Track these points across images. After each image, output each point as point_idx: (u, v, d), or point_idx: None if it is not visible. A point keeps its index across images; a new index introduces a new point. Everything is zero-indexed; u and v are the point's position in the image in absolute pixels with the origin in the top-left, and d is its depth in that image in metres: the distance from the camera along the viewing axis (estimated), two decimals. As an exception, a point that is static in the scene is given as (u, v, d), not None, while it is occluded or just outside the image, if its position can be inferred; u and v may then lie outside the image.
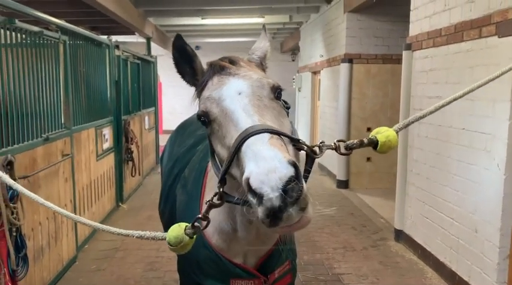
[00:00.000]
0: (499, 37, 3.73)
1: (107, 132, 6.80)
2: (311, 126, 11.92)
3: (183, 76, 1.81)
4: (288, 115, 1.72)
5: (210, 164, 2.13)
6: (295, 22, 12.74)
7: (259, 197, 1.25)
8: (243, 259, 2.03)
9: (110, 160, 6.95)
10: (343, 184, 8.67)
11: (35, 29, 4.13)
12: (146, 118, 10.04)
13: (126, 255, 5.35)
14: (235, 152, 1.41)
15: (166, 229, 2.73)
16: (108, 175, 6.82)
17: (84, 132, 5.64)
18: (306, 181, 1.64)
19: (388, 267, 5.03)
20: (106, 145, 6.73)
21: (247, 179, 1.29)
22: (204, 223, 1.51)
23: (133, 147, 7.93)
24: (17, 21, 3.73)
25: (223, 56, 1.80)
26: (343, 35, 8.53)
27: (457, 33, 4.39)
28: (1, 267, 3.39)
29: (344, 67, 8.41)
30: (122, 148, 7.55)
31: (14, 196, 3.43)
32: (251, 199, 1.30)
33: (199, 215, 1.51)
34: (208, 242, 2.01)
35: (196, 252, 2.01)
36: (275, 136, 1.39)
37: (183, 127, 3.40)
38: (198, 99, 1.76)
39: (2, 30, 3.57)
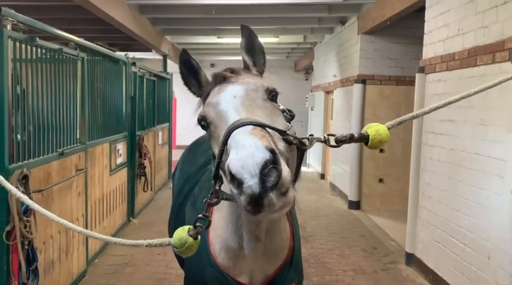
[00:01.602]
0: (512, 63, 3.73)
1: (121, 147, 6.89)
2: (323, 145, 11.88)
3: (189, 88, 1.94)
4: (286, 117, 1.77)
5: None
6: (309, 42, 12.86)
7: (239, 184, 1.30)
8: (249, 278, 2.03)
9: (122, 174, 7.02)
10: (355, 205, 8.61)
11: (55, 46, 4.26)
12: (160, 133, 10.15)
13: (135, 270, 5.37)
14: (224, 146, 1.47)
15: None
16: (120, 190, 6.89)
17: (98, 146, 5.73)
18: (298, 175, 1.69)
19: (399, 291, 4.96)
20: (119, 160, 6.81)
21: (228, 167, 1.34)
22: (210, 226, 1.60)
23: (146, 162, 8.00)
24: (37, 38, 3.85)
25: (227, 67, 1.89)
26: (357, 56, 8.58)
27: (471, 57, 4.40)
28: (12, 280, 3.44)
29: (357, 87, 8.44)
30: (135, 163, 7.64)
31: (27, 210, 3.49)
32: (233, 189, 1.34)
33: (200, 215, 1.58)
34: (214, 261, 2.02)
35: (202, 271, 2.02)
36: (259, 128, 1.44)
37: (196, 145, 3.44)
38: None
39: (24, 47, 3.69)
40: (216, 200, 1.57)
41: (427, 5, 5.48)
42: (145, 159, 7.93)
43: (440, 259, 4.92)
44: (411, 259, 5.62)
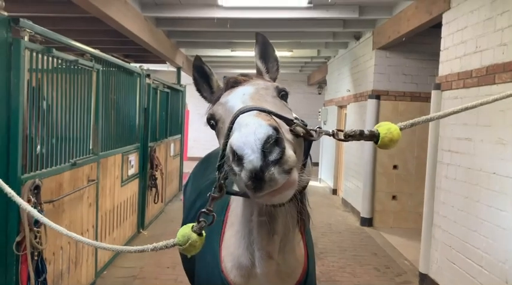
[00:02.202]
0: (532, 81, 3.66)
1: (133, 158, 6.90)
2: (335, 160, 11.81)
3: (201, 93, 1.96)
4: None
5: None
6: (323, 56, 12.85)
7: (240, 160, 1.25)
8: None
9: (134, 186, 7.02)
10: (367, 222, 8.47)
11: (71, 57, 4.29)
12: (172, 145, 10.16)
13: (144, 283, 5.32)
14: (229, 132, 1.42)
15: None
16: (131, 201, 6.87)
17: (111, 157, 5.73)
18: (305, 166, 1.61)
19: (412, 313, 4.83)
20: (131, 171, 6.81)
21: (230, 145, 1.29)
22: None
23: (157, 174, 8.00)
24: (54, 49, 3.88)
25: (240, 73, 1.89)
26: (371, 71, 8.53)
27: (489, 75, 4.32)
28: (20, 291, 3.41)
29: (371, 103, 8.37)
30: (147, 174, 7.63)
31: (38, 221, 3.47)
32: (235, 168, 1.29)
33: (203, 209, 1.52)
34: (226, 278, 1.97)
35: None
36: (263, 113, 1.39)
37: (208, 159, 3.41)
38: None
39: (40, 57, 3.72)
40: (219, 194, 1.51)
41: (443, 22, 5.43)
42: (156, 171, 7.92)
43: (455, 281, 4.78)
44: (425, 280, 5.48)
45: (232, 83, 1.77)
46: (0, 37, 3.23)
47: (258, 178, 1.25)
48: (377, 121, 8.33)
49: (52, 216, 3.92)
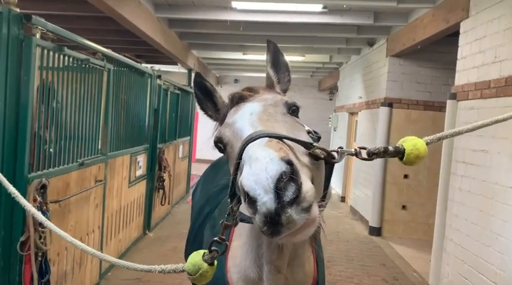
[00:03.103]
0: (554, 94, 3.54)
1: (141, 159, 6.85)
2: (344, 167, 11.69)
3: (206, 112, 1.86)
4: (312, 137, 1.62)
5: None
6: (335, 62, 12.75)
7: (253, 202, 1.15)
8: None
9: (141, 187, 6.97)
10: (376, 231, 8.34)
11: (82, 56, 4.25)
12: (181, 147, 10.12)
13: (148, 287, 5.25)
14: (238, 162, 1.34)
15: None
16: (138, 202, 6.82)
17: (119, 158, 5.69)
18: (326, 193, 1.52)
19: (421, 328, 4.71)
20: (139, 172, 6.76)
21: (241, 184, 1.20)
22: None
23: (165, 176, 7.94)
24: (65, 48, 3.84)
25: (246, 87, 1.78)
26: (384, 79, 8.42)
27: (508, 86, 4.21)
28: (23, 292, 3.36)
29: (383, 111, 8.25)
30: (155, 175, 7.58)
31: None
32: (248, 209, 1.19)
33: (216, 238, 1.44)
34: None
35: None
36: (275, 140, 1.30)
37: (218, 164, 3.34)
38: None
39: (51, 55, 3.68)
40: (233, 221, 1.44)
41: (461, 30, 5.32)
42: (164, 172, 7.87)
43: (467, 296, 4.66)
44: (435, 293, 5.36)
45: (238, 99, 1.67)
46: (11, 34, 3.19)
47: (274, 223, 1.14)
48: (389, 129, 8.22)
49: (58, 216, 3.87)
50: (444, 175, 5.37)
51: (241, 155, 1.32)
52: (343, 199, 11.71)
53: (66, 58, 3.96)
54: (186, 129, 10.85)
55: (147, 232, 7.41)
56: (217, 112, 1.81)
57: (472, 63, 4.99)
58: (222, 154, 3.11)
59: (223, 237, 1.44)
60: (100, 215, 5.05)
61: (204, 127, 18.13)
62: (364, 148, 1.52)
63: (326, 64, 13.20)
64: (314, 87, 18.16)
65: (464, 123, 5.06)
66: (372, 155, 1.50)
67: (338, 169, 12.20)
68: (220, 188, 2.70)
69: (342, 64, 12.69)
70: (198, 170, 12.09)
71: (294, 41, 9.58)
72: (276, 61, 1.84)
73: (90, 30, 8.64)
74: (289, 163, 1.17)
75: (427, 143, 1.52)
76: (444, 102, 5.47)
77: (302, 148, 1.39)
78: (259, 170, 1.16)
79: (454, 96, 5.29)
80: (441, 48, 7.74)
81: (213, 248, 1.45)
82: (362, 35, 8.62)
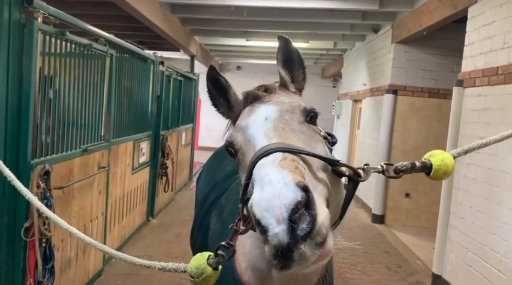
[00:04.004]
0: None
1: (145, 146, 6.83)
2: (348, 155, 11.66)
3: (218, 109, 1.73)
4: (327, 145, 1.54)
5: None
6: (339, 49, 12.62)
7: (264, 231, 1.06)
8: None
9: (144, 174, 6.95)
10: (379, 219, 8.33)
11: (85, 41, 4.19)
12: (183, 134, 10.09)
13: (152, 274, 5.25)
14: (249, 178, 1.25)
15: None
16: (141, 189, 6.82)
17: (122, 145, 5.66)
18: (344, 214, 1.44)
19: (424, 315, 4.72)
20: (142, 159, 6.74)
21: (251, 208, 1.11)
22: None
23: (168, 163, 7.93)
24: (67, 33, 3.78)
25: (260, 84, 1.68)
26: (389, 66, 8.33)
27: (517, 72, 4.14)
28: (27, 278, 3.36)
29: (388, 98, 8.18)
30: (158, 162, 7.57)
31: (47, 207, 3.41)
32: (258, 235, 1.10)
33: (223, 243, 1.36)
34: (240, 279, 1.87)
35: None
36: (290, 157, 1.21)
37: (223, 151, 3.29)
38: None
39: (53, 41, 3.63)
40: (244, 228, 1.35)
41: (469, 16, 5.23)
42: (167, 159, 7.86)
43: (470, 284, 4.65)
44: (438, 281, 5.35)
45: (252, 99, 1.57)
46: (13, 18, 3.13)
47: (285, 257, 1.06)
48: (393, 117, 8.17)
49: (62, 203, 3.86)
50: (449, 163, 5.32)
51: (252, 169, 1.23)
52: (345, 186, 11.68)
53: (68, 43, 3.91)
54: (188, 116, 10.80)
55: (150, 218, 7.43)
56: (230, 109, 1.69)
57: (479, 49, 4.91)
58: (222, 140, 3.04)
59: (232, 243, 1.36)
60: (104, 202, 5.04)
61: (207, 115, 18.11)
62: (391, 165, 1.45)
63: (330, 51, 13.08)
64: (317, 74, 18.04)
65: (470, 110, 5.00)
66: (399, 172, 1.44)
67: (341, 156, 12.17)
68: (227, 174, 2.67)
69: (346, 50, 12.57)
70: (201, 158, 12.07)
71: (298, 27, 9.47)
72: (289, 59, 1.71)
73: (91, 16, 8.54)
74: (305, 189, 1.08)
75: (454, 157, 1.46)
76: (449, 89, 5.41)
77: (316, 164, 1.31)
78: (272, 196, 1.07)
79: (460, 83, 5.23)
80: (447, 35, 7.64)
81: (219, 252, 1.37)
82: (367, 21, 8.51)
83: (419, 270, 6.01)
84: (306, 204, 1.06)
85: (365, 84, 10.20)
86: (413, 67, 8.18)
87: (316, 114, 1.53)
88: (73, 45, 4.01)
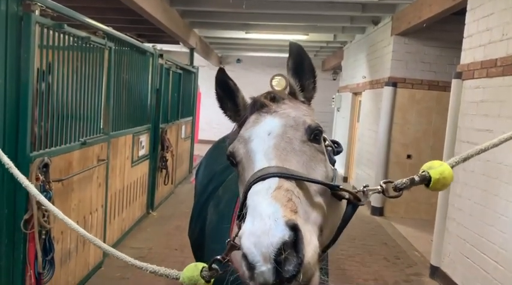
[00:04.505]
0: (562, 72, 3.48)
1: (144, 139, 6.84)
2: (348, 147, 11.66)
3: (225, 111, 1.71)
4: (329, 160, 1.54)
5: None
6: (339, 41, 12.59)
7: (251, 267, 1.08)
8: None
9: (144, 167, 6.97)
10: (378, 211, 8.37)
11: (83, 34, 4.19)
12: (183, 127, 10.10)
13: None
14: (243, 201, 1.26)
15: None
16: (141, 182, 6.84)
17: (121, 138, 5.67)
18: (339, 234, 1.47)
19: (422, 306, 4.76)
20: (142, 152, 6.76)
21: (240, 241, 1.13)
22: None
23: (168, 155, 7.95)
24: (65, 25, 3.78)
25: (269, 91, 1.66)
26: (389, 58, 8.32)
27: (515, 64, 4.14)
28: (28, 269, 3.39)
29: (387, 90, 8.18)
30: (157, 155, 7.58)
31: (47, 199, 3.43)
32: (245, 270, 1.12)
33: (218, 257, 1.35)
34: (235, 271, 1.90)
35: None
36: (285, 186, 1.21)
37: (222, 143, 3.32)
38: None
39: (51, 33, 3.63)
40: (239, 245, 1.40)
41: (468, 7, 5.21)
42: (167, 152, 7.88)
43: (468, 275, 4.68)
44: (436, 272, 5.39)
45: (259, 106, 1.56)
46: (10, 10, 3.13)
47: None
48: (393, 109, 8.17)
49: (61, 195, 3.88)
50: (448, 155, 5.34)
51: (248, 192, 1.25)
52: (345, 179, 11.73)
53: (67, 36, 3.91)
54: (188, 109, 10.80)
55: (150, 211, 7.46)
56: (237, 113, 1.68)
57: (478, 41, 4.90)
58: (222, 134, 3.03)
59: (227, 257, 1.35)
60: (103, 194, 5.07)
61: (207, 108, 18.10)
62: (390, 182, 1.46)
63: (330, 44, 13.04)
64: (317, 67, 17.74)
65: (468, 102, 5.00)
66: (399, 190, 1.46)
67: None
68: (224, 166, 2.68)
69: (346, 43, 12.54)
70: (201, 151, 12.08)
71: (298, 19, 9.44)
72: (300, 67, 1.66)
73: (90, 8, 8.51)
74: (294, 228, 1.09)
75: (452, 166, 1.48)
76: (449, 81, 5.41)
77: (314, 187, 1.32)
78: (261, 232, 1.08)
79: (459, 75, 5.22)
80: (446, 27, 7.62)
81: (213, 266, 1.36)
82: (367, 13, 8.48)
83: (418, 261, 6.04)
84: (294, 243, 1.07)
85: (365, 77, 10.18)
86: (413, 59, 8.17)
87: (321, 131, 1.50)
88: (71, 38, 4.01)
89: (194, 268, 1.39)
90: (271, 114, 1.51)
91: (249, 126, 1.52)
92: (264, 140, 1.41)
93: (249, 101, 1.64)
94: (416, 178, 1.45)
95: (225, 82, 1.65)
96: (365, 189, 1.42)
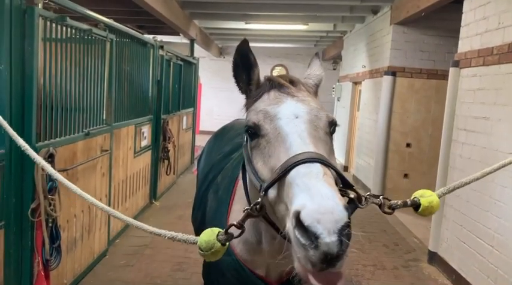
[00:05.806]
0: (556, 60, 3.54)
1: (146, 130, 6.93)
2: (348, 136, 11.75)
3: (238, 82, 1.79)
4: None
5: (240, 174, 2.12)
6: (339, 31, 12.60)
7: (313, 237, 1.17)
8: (266, 272, 2.01)
9: (146, 157, 7.07)
10: (377, 199, 8.45)
11: (85, 26, 4.25)
12: (184, 118, 10.17)
13: (155, 253, 5.42)
14: (283, 174, 1.35)
15: (197, 235, 2.74)
16: (143, 172, 6.94)
17: (124, 128, 5.76)
18: None
19: (420, 290, 4.86)
20: (144, 143, 6.85)
21: (297, 213, 1.21)
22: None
23: (170, 146, 8.04)
24: (68, 18, 3.84)
25: (281, 74, 1.78)
26: (388, 47, 8.36)
27: (511, 52, 4.20)
28: (36, 256, 3.50)
29: (387, 79, 8.24)
30: (159, 146, 7.67)
31: (52, 188, 3.53)
32: (298, 236, 1.21)
33: (235, 223, 1.45)
34: (232, 251, 2.00)
35: (220, 259, 2.00)
36: (328, 173, 1.33)
37: (222, 133, 3.40)
38: (248, 108, 1.74)
39: (54, 26, 3.69)
40: (258, 213, 1.45)
41: (465, -4, 5.25)
42: (169, 143, 7.96)
43: (465, 260, 4.78)
44: (434, 258, 5.50)
45: (277, 86, 1.65)
46: (14, 4, 3.20)
47: (329, 263, 1.19)
48: (392, 98, 8.23)
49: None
50: (445, 143, 5.42)
51: (289, 171, 1.33)
52: (346, 168, 11.81)
53: (69, 29, 3.98)
54: (189, 100, 10.87)
55: (153, 201, 7.57)
56: (249, 86, 1.77)
57: (475, 29, 4.95)
58: (223, 124, 3.11)
59: (243, 223, 1.45)
60: (107, 184, 5.16)
61: (208, 99, 18.15)
62: (389, 200, 1.60)
63: (330, 33, 13.05)
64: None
65: (466, 90, 5.07)
66: (393, 209, 1.61)
67: (341, 137, 12.26)
68: (224, 155, 2.78)
69: (346, 33, 12.55)
70: (202, 141, 12.14)
71: (297, 9, 9.45)
72: (316, 76, 1.88)
73: (91, 1, 8.54)
74: (347, 210, 1.22)
75: (440, 196, 1.71)
76: (448, 70, 5.46)
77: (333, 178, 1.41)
78: (325, 210, 1.18)
79: (456, 64, 5.28)
80: (445, 16, 7.65)
81: (230, 231, 1.45)
82: (366, 3, 8.51)
83: (416, 248, 6.15)
84: (348, 225, 1.21)
85: (364, 66, 10.22)
86: (412, 48, 8.21)
87: (337, 126, 1.63)
88: (73, 31, 4.08)
89: (211, 233, 1.48)
90: (293, 97, 1.61)
91: (270, 102, 1.61)
92: (294, 122, 1.50)
93: (263, 79, 1.74)
94: (409, 202, 1.66)
95: (246, 54, 1.71)
96: (368, 196, 1.52)
